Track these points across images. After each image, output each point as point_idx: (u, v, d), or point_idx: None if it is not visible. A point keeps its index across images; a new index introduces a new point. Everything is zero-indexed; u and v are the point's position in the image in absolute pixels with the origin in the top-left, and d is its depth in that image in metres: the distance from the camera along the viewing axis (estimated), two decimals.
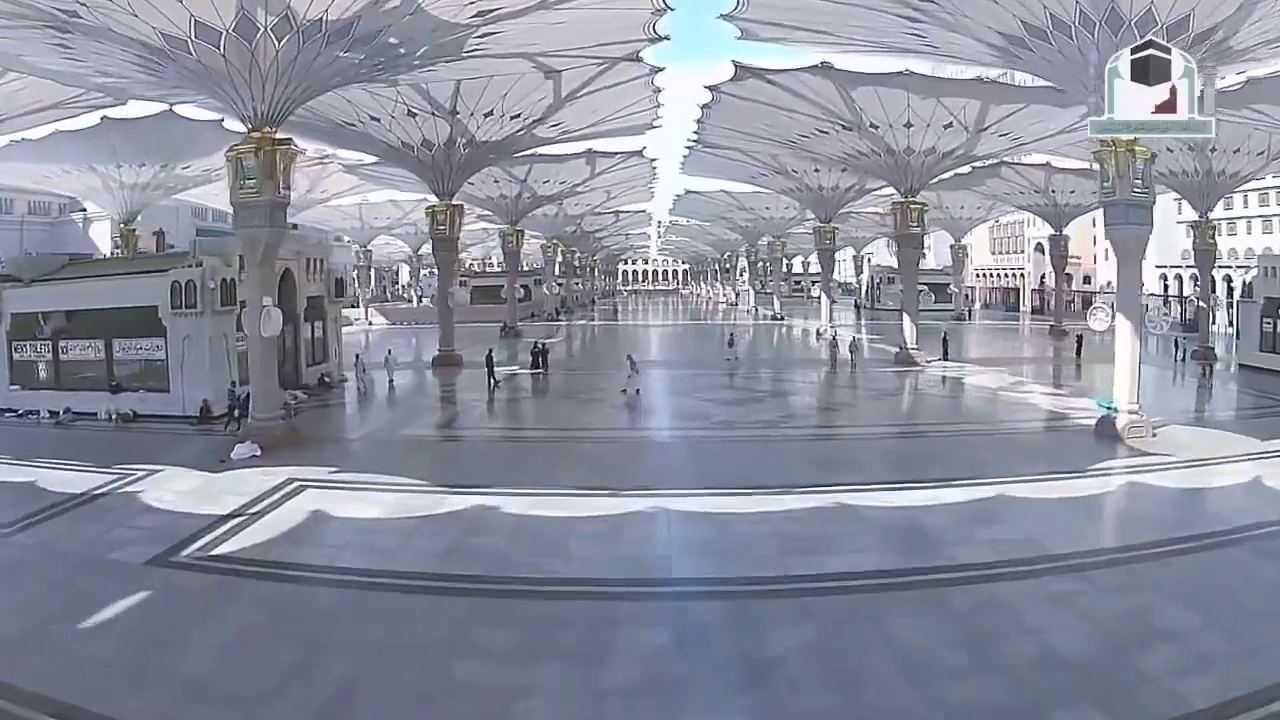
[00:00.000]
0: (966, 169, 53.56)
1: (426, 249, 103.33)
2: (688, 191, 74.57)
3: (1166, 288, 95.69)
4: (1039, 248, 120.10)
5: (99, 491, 20.53)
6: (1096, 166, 27.38)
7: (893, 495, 18.85)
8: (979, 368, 42.95)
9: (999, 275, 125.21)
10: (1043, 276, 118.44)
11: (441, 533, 16.76)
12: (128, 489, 20.85)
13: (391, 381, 36.72)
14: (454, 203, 43.80)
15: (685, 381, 36.99)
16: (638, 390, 31.93)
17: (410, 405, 32.22)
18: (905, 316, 44.30)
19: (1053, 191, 65.45)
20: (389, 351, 37.83)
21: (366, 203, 78.83)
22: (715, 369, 40.74)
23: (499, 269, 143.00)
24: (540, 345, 40.08)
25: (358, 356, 37.55)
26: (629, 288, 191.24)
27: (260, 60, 24.63)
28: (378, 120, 40.25)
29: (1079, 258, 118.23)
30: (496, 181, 55.62)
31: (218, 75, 25.34)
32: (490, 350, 37.22)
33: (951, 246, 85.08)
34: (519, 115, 39.17)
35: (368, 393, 34.96)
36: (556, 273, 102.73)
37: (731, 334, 45.62)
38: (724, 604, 13.11)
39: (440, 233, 43.56)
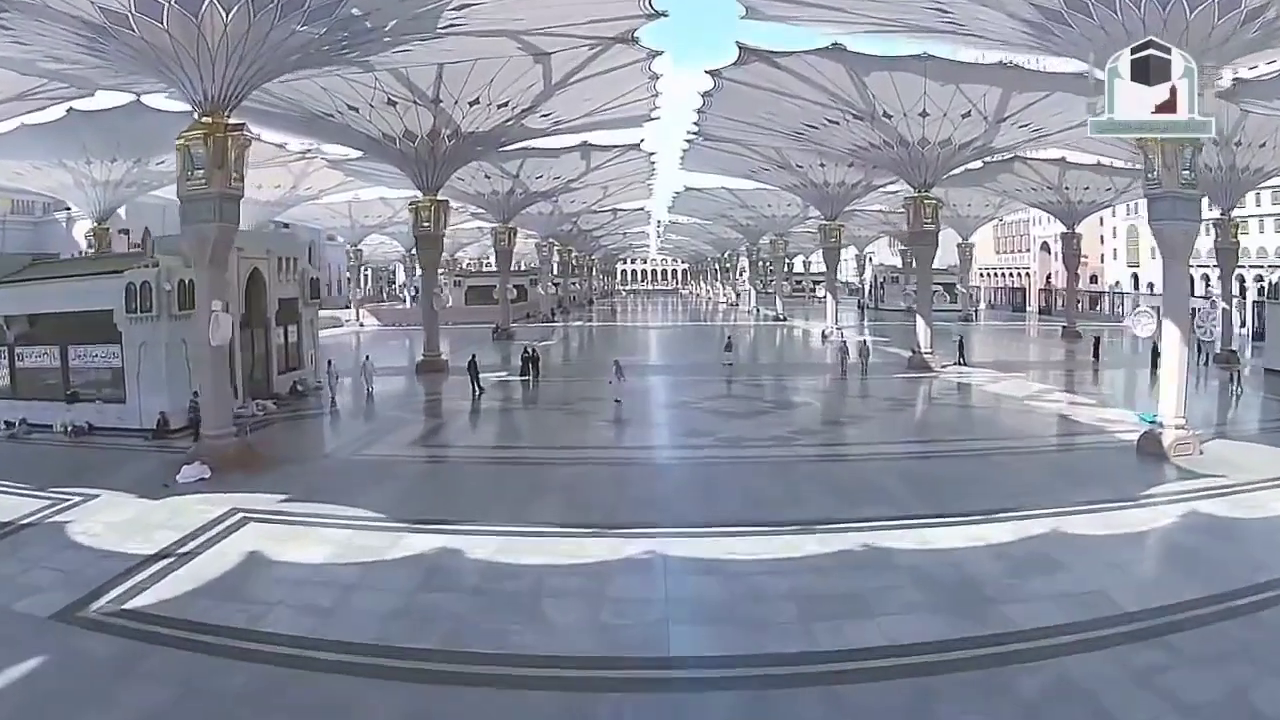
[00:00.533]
0: (978, 164, 50.70)
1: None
2: (687, 188, 71.61)
3: None
4: (1044, 246, 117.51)
5: (26, 521, 17.84)
6: (1138, 156, 24.62)
7: (929, 533, 15.96)
8: (997, 373, 40.06)
9: (1003, 274, 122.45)
10: (1049, 275, 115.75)
11: (392, 586, 13.87)
12: (57, 518, 18.17)
13: (370, 391, 33.84)
14: (439, 198, 40.91)
15: (685, 390, 34.14)
16: (617, 400, 29.35)
17: (383, 418, 29.30)
18: (919, 319, 41.40)
19: (1066, 188, 62.64)
20: (366, 358, 34.92)
21: (357, 200, 75.98)
22: (716, 375, 37.90)
23: (495, 269, 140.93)
24: (530, 350, 37.19)
25: (330, 363, 34.62)
26: (628, 287, 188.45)
27: (208, 35, 21.75)
28: (356, 110, 37.40)
29: (1087, 256, 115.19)
30: (488, 177, 52.75)
31: (163, 54, 22.49)
32: (473, 356, 34.32)
33: (958, 245, 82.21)
34: (506, 104, 36.29)
35: (337, 403, 32.09)
36: (554, 272, 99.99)
37: (729, 337, 42.78)
38: (734, 696, 10.23)
39: (424, 230, 40.67)
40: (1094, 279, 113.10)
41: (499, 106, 36.41)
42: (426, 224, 40.50)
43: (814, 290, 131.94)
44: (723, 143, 47.33)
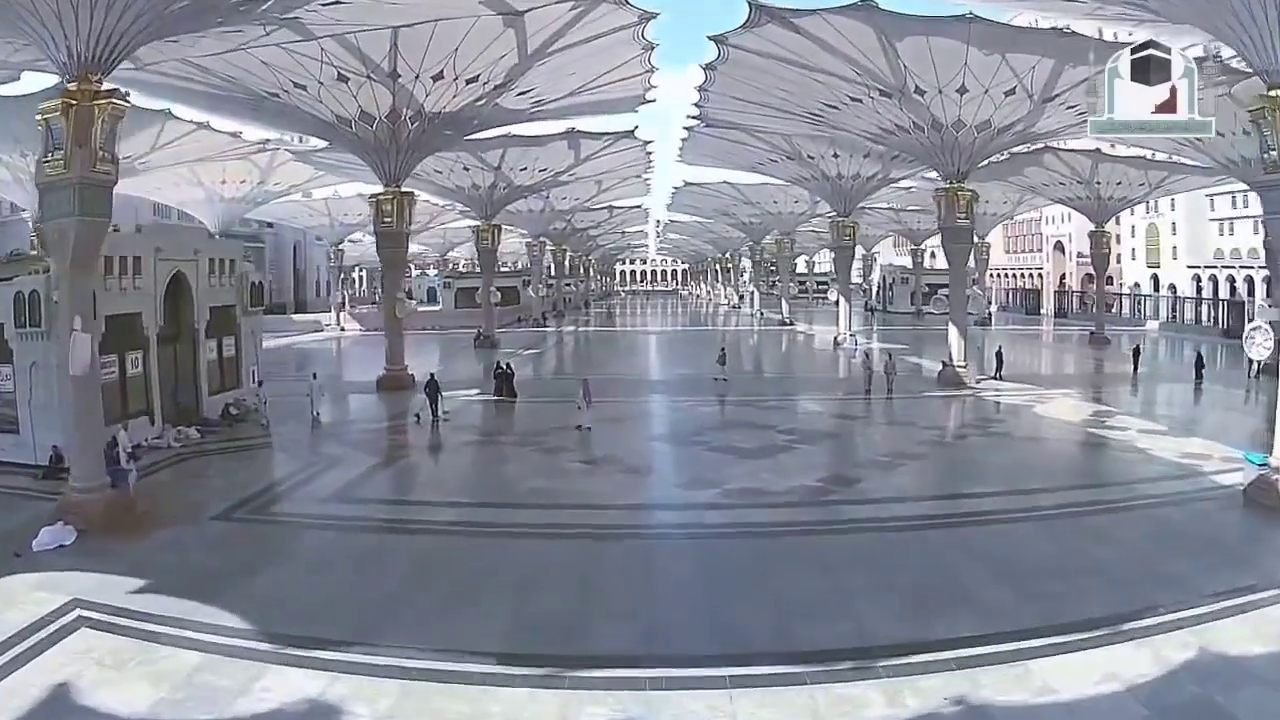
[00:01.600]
0: (1003, 155, 45.23)
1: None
2: (687, 183, 65.94)
3: (1200, 290, 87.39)
4: (1058, 246, 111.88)
5: None
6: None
7: (1039, 668, 10.55)
8: (1039, 390, 34.65)
9: (1015, 275, 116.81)
10: (1062, 276, 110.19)
11: None
12: None
13: (315, 415, 28.44)
14: (403, 190, 35.45)
15: (683, 415, 28.64)
16: (579, 426, 24.63)
17: (317, 455, 23.75)
18: (952, 326, 35.91)
19: (1097, 183, 57.25)
20: (314, 376, 29.40)
21: (336, 197, 70.48)
22: (720, 394, 32.55)
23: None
24: (503, 366, 31.62)
25: (260, 383, 29.22)
26: (627, 288, 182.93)
27: None
28: (304, 89, 31.95)
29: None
30: (466, 169, 47.28)
31: (19, 3, 17.15)
32: (432, 375, 28.78)
33: (975, 245, 76.43)
34: (476, 78, 30.81)
35: (270, 430, 26.74)
36: (548, 274, 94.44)
37: (723, 349, 36.63)
38: None
39: (386, 226, 35.22)
40: (1109, 280, 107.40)
41: (467, 82, 30.94)
42: (388, 219, 35.07)
43: (818, 292, 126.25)
44: (726, 129, 41.87)
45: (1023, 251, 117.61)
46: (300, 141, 47.39)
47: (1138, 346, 43.13)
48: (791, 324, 69.27)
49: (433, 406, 27.45)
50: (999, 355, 37.50)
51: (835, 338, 51.67)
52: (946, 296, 51.09)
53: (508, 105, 33.81)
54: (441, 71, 30.31)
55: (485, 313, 52.88)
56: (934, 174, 63.99)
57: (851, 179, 47.92)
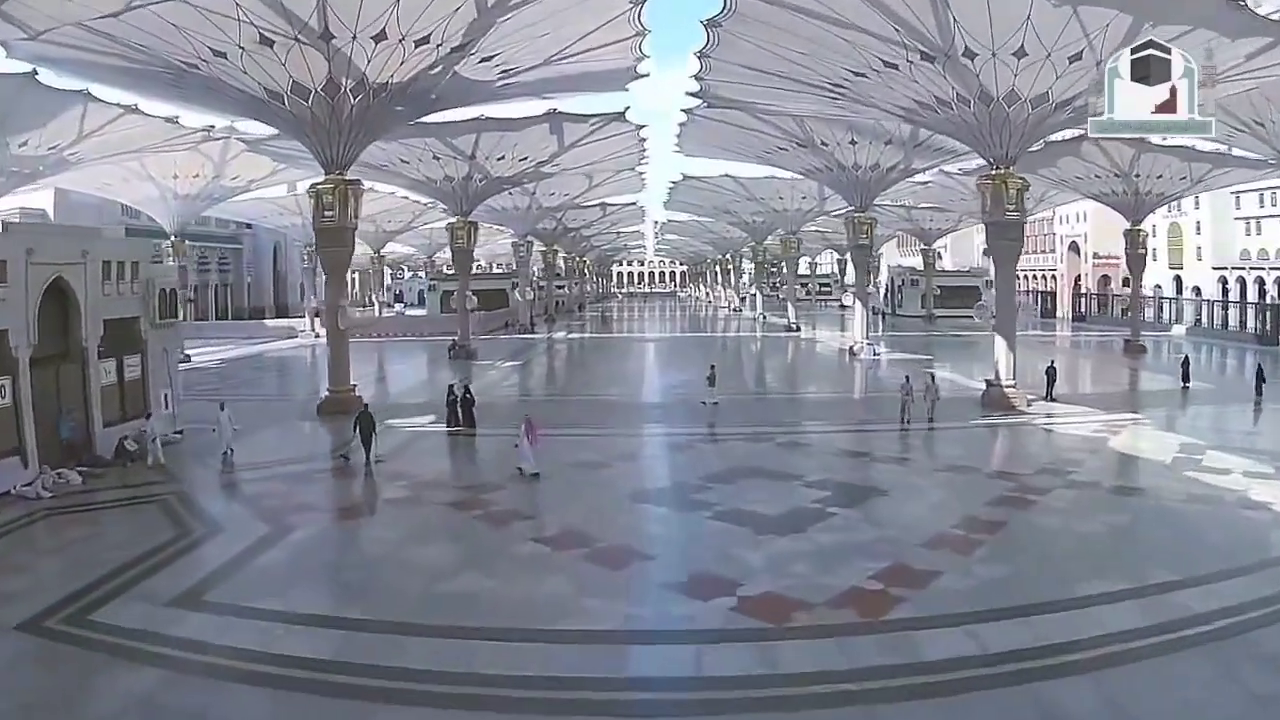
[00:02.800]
0: (1038, 144, 39.22)
1: (391, 248, 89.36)
2: (685, 177, 59.70)
3: (1226, 292, 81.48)
4: (1072, 246, 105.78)
5: None
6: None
7: None
8: (1099, 413, 28.81)
9: (1027, 277, 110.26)
10: (1077, 278, 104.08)
11: None
12: None
13: (227, 454, 22.50)
14: (347, 178, 29.41)
15: (682, 458, 22.49)
16: (519, 470, 19.24)
17: (198, 516, 17.69)
18: (999, 339, 29.85)
19: (1136, 176, 51.22)
20: (221, 406, 23.28)
21: (307, 193, 64.48)
22: (712, 425, 26.56)
23: (487, 271, 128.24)
24: (459, 391, 25.42)
25: (148, 415, 23.25)
26: (624, 290, 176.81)
27: None
28: (224, 56, 25.96)
29: (1117, 257, 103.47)
30: (436, 158, 41.20)
31: None
32: (365, 407, 22.68)
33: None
34: (427, 39, 24.76)
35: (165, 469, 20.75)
36: (537, 276, 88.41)
37: (713, 367, 30.41)
38: None
39: (327, 221, 29.15)
40: (1126, 282, 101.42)
41: (416, 44, 24.90)
42: (330, 213, 29.01)
43: (821, 294, 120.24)
44: (730, 110, 35.87)
45: (1035, 252, 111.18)
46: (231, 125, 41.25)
47: (1186, 357, 37.28)
48: (798, 330, 63.14)
49: (365, 445, 21.46)
50: (1051, 373, 31.39)
51: (850, 346, 45.66)
52: (982, 303, 45.31)
53: (471, 75, 27.78)
54: (384, 30, 24.30)
55: (460, 319, 46.81)
56: (954, 168, 58.48)
57: (870, 170, 41.90)
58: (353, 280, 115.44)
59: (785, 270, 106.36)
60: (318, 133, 28.74)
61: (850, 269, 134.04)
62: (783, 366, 45.74)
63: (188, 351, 52.06)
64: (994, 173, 29.41)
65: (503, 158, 41.09)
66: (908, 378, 26.04)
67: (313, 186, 29.99)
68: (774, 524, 15.58)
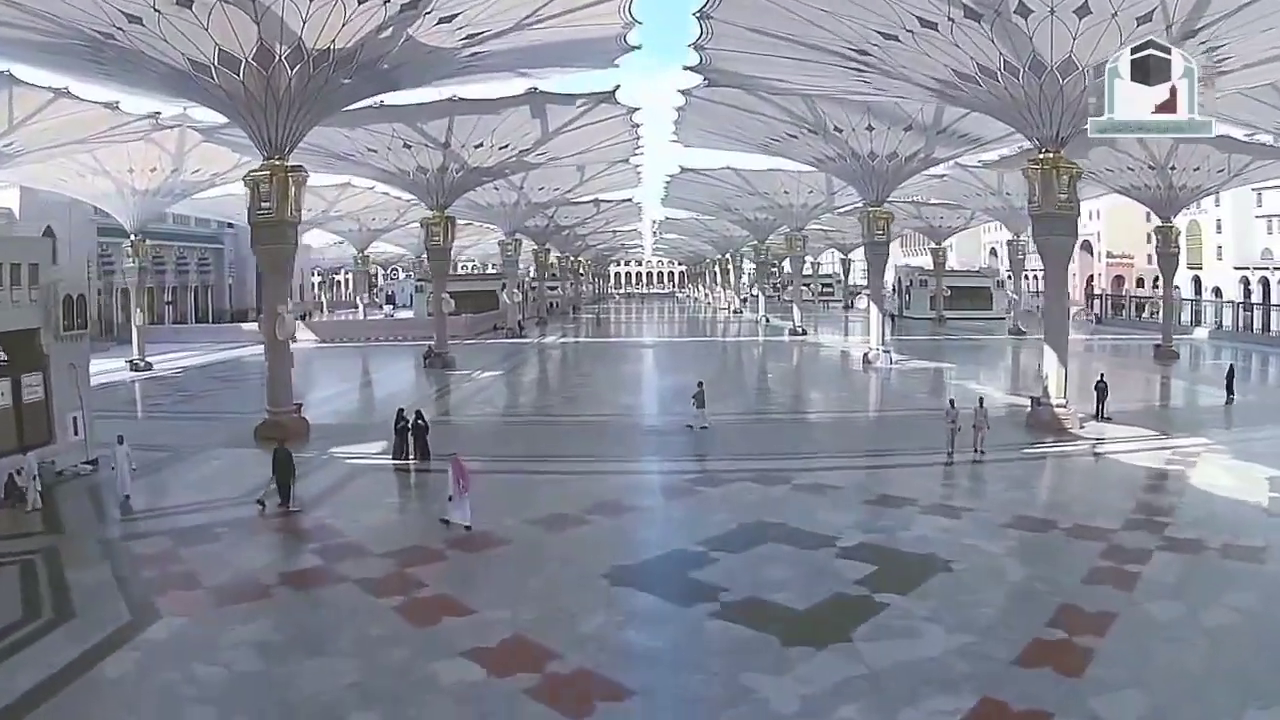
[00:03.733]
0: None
1: (375, 248, 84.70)
2: (683, 169, 55.12)
3: (1248, 293, 77.09)
4: (1085, 245, 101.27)
5: None
6: None
7: None
8: (1157, 435, 24.53)
9: (1036, 277, 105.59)
10: (1090, 277, 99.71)
11: None
12: None
13: (125, 498, 18.12)
14: (289, 164, 24.93)
15: (675, 510, 17.75)
16: (445, 521, 15.55)
17: (47, 588, 13.37)
18: (1048, 351, 25.32)
19: (1171, 168, 46.77)
20: (120, 440, 18.81)
21: None
22: (701, 456, 22.12)
23: (481, 270, 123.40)
24: (410, 418, 20.80)
25: (25, 450, 18.82)
26: (622, 291, 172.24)
27: None
28: (139, 21, 21.59)
29: (1131, 257, 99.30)
30: (408, 147, 36.64)
31: None
32: (280, 446, 18.06)
33: (1009, 243, 66.38)
34: None
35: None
36: (530, 276, 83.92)
37: (700, 385, 25.17)
38: None
39: (264, 214, 24.62)
40: (1140, 283, 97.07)
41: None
42: (267, 204, 24.53)
43: (823, 295, 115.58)
44: (733, 93, 31.45)
45: (1026, 252, 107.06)
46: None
47: (1232, 366, 32.88)
48: (804, 333, 58.61)
49: (281, 490, 17.03)
50: (1101, 388, 26.86)
51: (865, 354, 41.17)
52: (1014, 299, 40.95)
53: (430, 41, 23.27)
54: None
55: (437, 324, 42.26)
56: (973, 159, 53.99)
57: (887, 159, 37.43)
58: (342, 281, 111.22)
59: (790, 270, 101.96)
60: (252, 110, 24.29)
61: (854, 268, 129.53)
62: (790, 377, 41.11)
63: (149, 359, 47.94)
64: (1042, 156, 24.91)
65: (480, 145, 36.52)
66: (952, 402, 21.39)
67: (249, 174, 25.47)
68: (805, 627, 11.03)
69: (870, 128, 35.16)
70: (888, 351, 40.35)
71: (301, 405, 26.22)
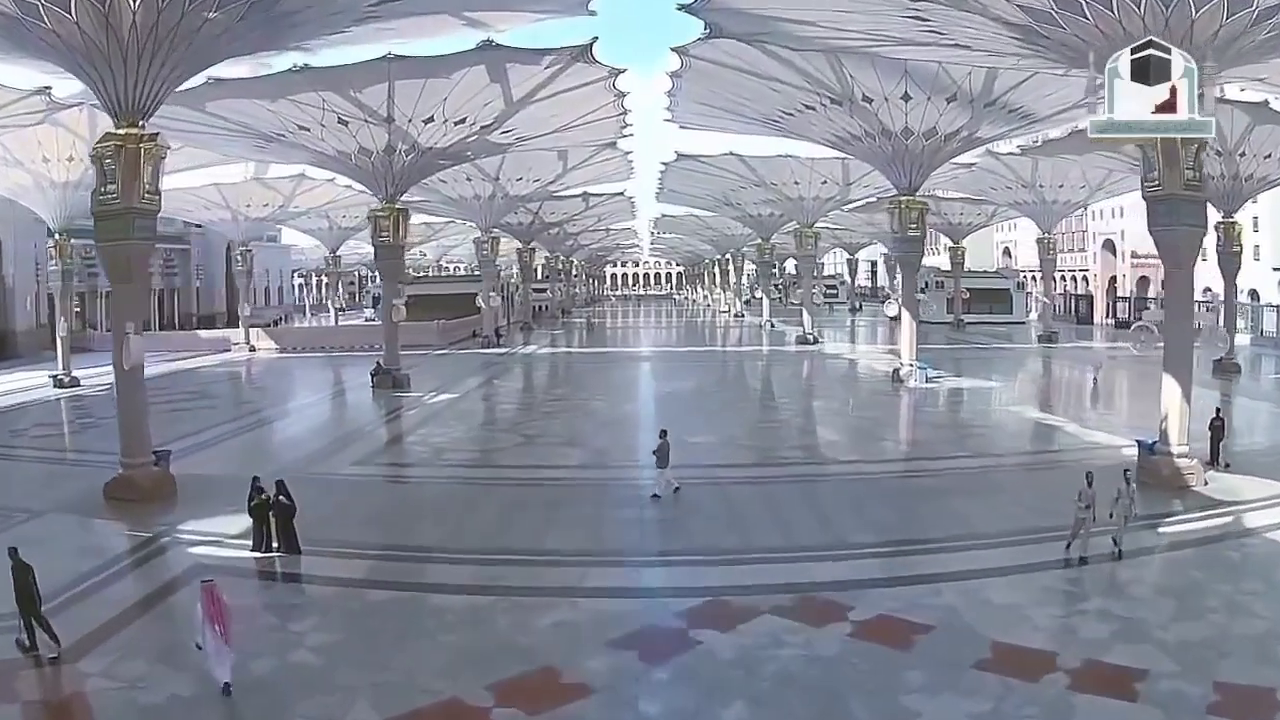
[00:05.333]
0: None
1: (364, 248, 77.64)
2: (680, 156, 48.12)
3: None
4: (1107, 244, 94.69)
5: None
6: None
7: None
8: None
9: (1065, 278, 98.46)
10: (1112, 279, 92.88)
11: None
12: None
13: None
14: (144, 132, 18.19)
15: (662, 701, 10.10)
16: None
17: None
18: (1169, 380, 18.54)
19: (1240, 155, 40.07)
20: None
21: (228, 184, 53.37)
22: (726, 552, 15.21)
23: (457, 273, 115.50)
24: (268, 494, 13.87)
25: None
26: (618, 292, 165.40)
27: None
28: None
29: (1156, 257, 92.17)
30: (344, 122, 29.77)
31: None
32: (12, 553, 10.93)
33: (1039, 241, 59.71)
34: None
35: None
36: (515, 278, 77.11)
37: (664, 434, 18.10)
38: None
39: (106, 201, 17.87)
40: (1165, 284, 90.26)
41: None
42: (111, 188, 17.74)
43: (826, 297, 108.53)
44: (740, 49, 24.75)
45: (1064, 251, 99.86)
46: None
47: None
48: (816, 342, 51.81)
49: (27, 627, 10.37)
50: (1217, 427, 20.05)
51: (895, 370, 34.39)
52: (1144, 323, 34.72)
53: None
54: None
55: (387, 334, 35.40)
56: (1009, 146, 47.28)
57: (924, 137, 30.67)
58: (316, 284, 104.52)
59: (795, 271, 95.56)
60: (93, 60, 17.57)
61: (859, 269, 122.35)
62: (806, 401, 33.51)
63: (75, 374, 41.37)
64: (1165, 118, 18.14)
65: (431, 119, 29.59)
66: (1090, 477, 14.01)
67: (96, 148, 18.63)
68: None
69: (907, 97, 28.41)
70: (922, 368, 33.62)
71: (167, 454, 19.42)
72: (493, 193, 48.44)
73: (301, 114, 29.61)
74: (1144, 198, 19.13)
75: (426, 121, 29.77)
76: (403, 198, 46.75)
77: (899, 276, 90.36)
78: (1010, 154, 48.34)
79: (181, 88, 26.58)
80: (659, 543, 15.62)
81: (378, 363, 34.72)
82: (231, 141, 33.98)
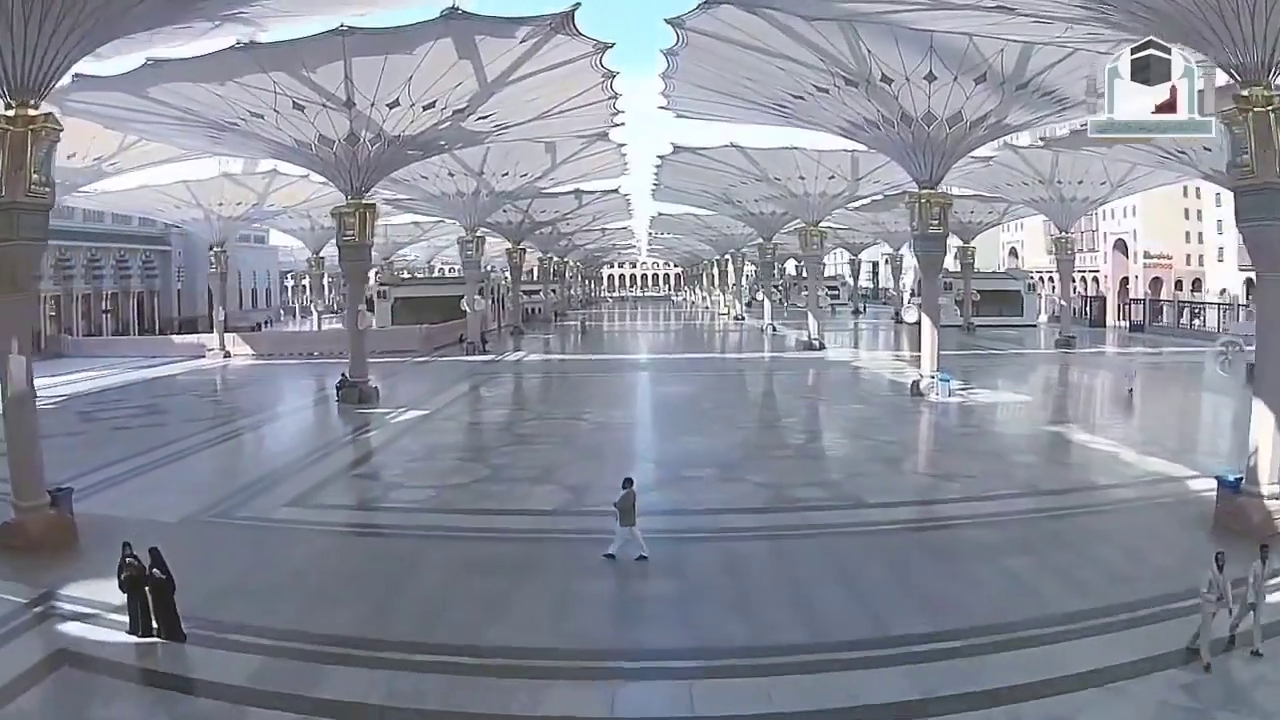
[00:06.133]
0: None
1: (329, 250, 74.48)
2: (677, 148, 44.96)
3: None
4: (1119, 245, 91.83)
5: None
6: None
7: None
8: None
9: (1083, 278, 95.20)
10: (1124, 279, 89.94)
11: None
12: None
13: None
14: (31, 112, 15.10)
15: None
16: None
17: None
18: (1260, 406, 15.52)
19: None
20: None
21: (198, 180, 50.30)
22: (727, 653, 12.00)
23: (443, 275, 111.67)
24: (142, 564, 10.83)
25: None
26: (614, 294, 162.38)
27: None
28: None
29: (1170, 257, 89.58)
30: (299, 107, 26.71)
31: None
32: None
33: (1058, 240, 56.65)
34: None
35: None
36: (505, 279, 73.99)
37: (629, 483, 14.37)
38: None
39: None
40: (1179, 285, 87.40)
41: None
42: None
43: (830, 300, 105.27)
44: (744, 19, 21.68)
45: (1075, 251, 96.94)
46: None
47: None
48: (822, 347, 48.72)
49: None
50: None
51: (915, 382, 31.28)
52: (1232, 339, 32.23)
53: None
54: None
55: (353, 343, 32.32)
56: (1029, 138, 44.15)
57: (948, 123, 27.58)
58: (298, 287, 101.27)
59: (795, 272, 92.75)
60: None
61: (863, 269, 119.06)
62: (816, 420, 29.89)
63: (35, 385, 38.26)
64: (1247, 94, 15.06)
65: (396, 104, 26.50)
66: (1220, 560, 10.63)
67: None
68: None
69: (931, 76, 25.31)
70: (945, 379, 30.51)
71: (69, 493, 16.30)
72: (477, 189, 45.32)
73: (253, 99, 26.48)
74: (1231, 189, 16.01)
75: (391, 106, 26.62)
76: (382, 195, 44.18)
77: (904, 277, 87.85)
78: (1031, 147, 45.25)
79: (120, 72, 23.62)
80: (643, 634, 11.92)
81: (343, 374, 31.58)
82: (183, 132, 30.86)
